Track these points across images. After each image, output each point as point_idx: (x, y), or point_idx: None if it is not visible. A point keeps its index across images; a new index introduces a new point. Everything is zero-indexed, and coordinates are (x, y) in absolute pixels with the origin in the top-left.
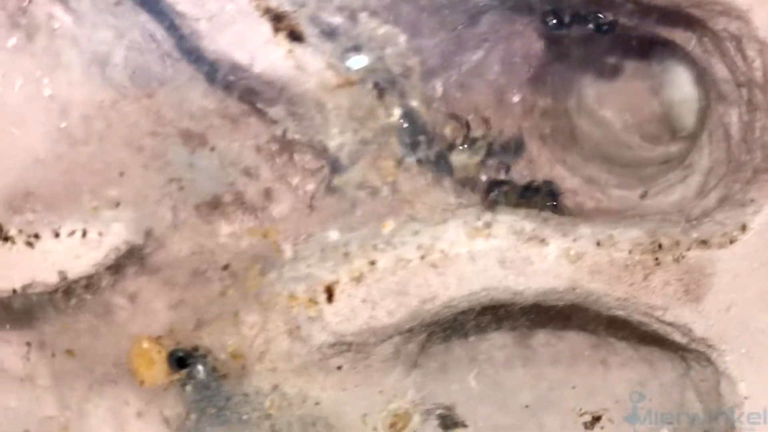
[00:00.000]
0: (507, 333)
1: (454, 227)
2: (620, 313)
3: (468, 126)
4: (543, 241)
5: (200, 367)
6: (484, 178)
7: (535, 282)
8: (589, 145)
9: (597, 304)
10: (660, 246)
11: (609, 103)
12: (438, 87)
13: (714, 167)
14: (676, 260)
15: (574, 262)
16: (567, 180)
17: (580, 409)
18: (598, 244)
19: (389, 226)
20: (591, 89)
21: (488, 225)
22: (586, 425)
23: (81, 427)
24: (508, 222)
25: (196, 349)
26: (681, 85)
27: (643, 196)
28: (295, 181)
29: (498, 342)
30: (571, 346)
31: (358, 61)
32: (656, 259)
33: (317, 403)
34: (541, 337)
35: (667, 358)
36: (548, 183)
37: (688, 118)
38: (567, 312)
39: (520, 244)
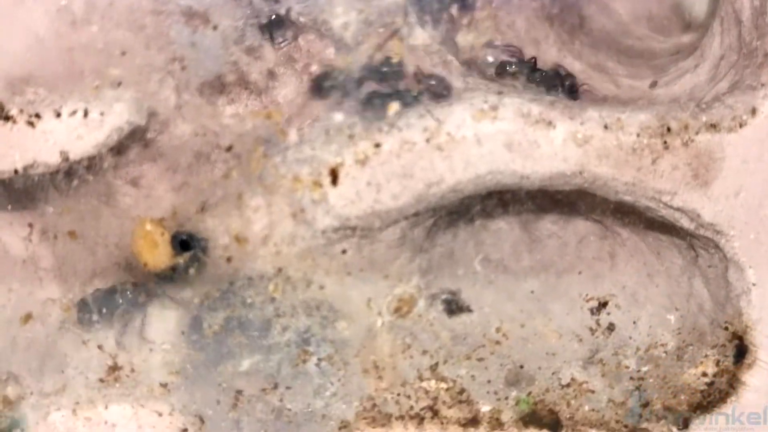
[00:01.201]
0: (513, 218)
1: (461, 110)
2: (627, 198)
3: (474, 7)
4: (550, 124)
5: (203, 250)
6: (490, 59)
7: (542, 166)
8: (598, 33)
9: (604, 189)
10: (669, 129)
11: None
12: None
13: (725, 55)
14: (685, 144)
15: (581, 145)
16: (575, 66)
17: (587, 295)
18: (606, 127)
19: (394, 108)
20: None
21: (494, 108)
22: (592, 311)
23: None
24: (514, 105)
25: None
26: None
27: (653, 85)
28: (300, 63)
29: (504, 227)
30: (578, 233)
31: None
32: (665, 142)
33: (322, 288)
34: (548, 224)
35: (675, 246)
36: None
37: (699, 7)
38: (574, 197)
39: (527, 127)
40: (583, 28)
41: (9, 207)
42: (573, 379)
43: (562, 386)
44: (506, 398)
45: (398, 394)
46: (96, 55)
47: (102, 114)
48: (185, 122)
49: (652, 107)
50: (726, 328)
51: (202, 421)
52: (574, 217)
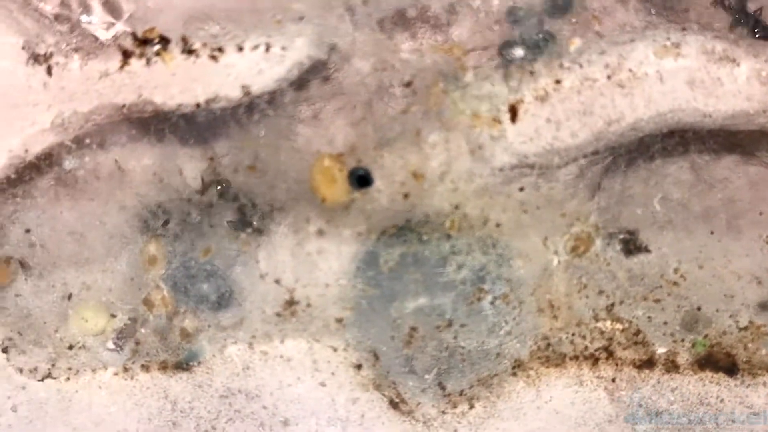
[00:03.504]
0: (693, 157)
1: (643, 46)
2: None
3: None
4: (734, 62)
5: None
6: None
7: (724, 104)
8: None
9: None
10: None
11: None
12: None
13: None
14: None
15: (765, 83)
16: (749, 5)
17: (767, 237)
18: None
19: (576, 44)
20: None
21: (677, 45)
22: None
23: (262, 243)
24: (698, 42)
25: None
26: None
27: None
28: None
29: (684, 166)
30: (752, 178)
31: None
32: None
33: (498, 225)
34: (728, 163)
35: None
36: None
37: None
38: (756, 137)
39: (710, 64)
40: None
41: (191, 141)
42: (751, 322)
43: (740, 329)
44: (682, 340)
45: (573, 334)
46: None
47: (284, 48)
48: (365, 57)
49: None
50: None
51: (376, 357)
52: (749, 161)
